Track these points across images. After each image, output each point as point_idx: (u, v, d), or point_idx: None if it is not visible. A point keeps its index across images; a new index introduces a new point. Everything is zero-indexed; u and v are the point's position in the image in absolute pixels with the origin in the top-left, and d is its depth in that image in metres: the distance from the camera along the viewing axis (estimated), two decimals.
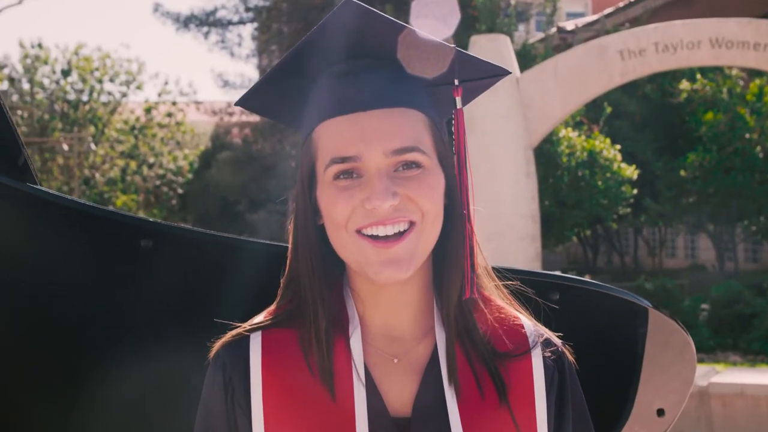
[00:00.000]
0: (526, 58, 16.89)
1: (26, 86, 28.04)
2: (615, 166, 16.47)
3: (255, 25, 26.33)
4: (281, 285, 1.72)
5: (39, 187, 2.14)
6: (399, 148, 1.58)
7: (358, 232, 1.58)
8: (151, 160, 28.84)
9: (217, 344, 1.69)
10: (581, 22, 23.46)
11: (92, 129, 27.87)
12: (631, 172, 16.55)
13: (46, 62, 28.00)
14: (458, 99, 1.69)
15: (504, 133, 12.15)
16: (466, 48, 13.32)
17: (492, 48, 12.46)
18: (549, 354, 1.74)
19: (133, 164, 28.47)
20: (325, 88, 1.64)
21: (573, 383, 1.79)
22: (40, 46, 27.95)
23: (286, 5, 23.69)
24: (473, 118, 12.35)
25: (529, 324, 1.78)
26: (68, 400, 2.23)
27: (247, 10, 26.55)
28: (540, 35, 21.14)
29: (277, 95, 1.71)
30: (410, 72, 1.66)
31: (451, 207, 1.68)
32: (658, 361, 2.72)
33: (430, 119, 1.66)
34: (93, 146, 27.91)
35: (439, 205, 1.63)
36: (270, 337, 1.68)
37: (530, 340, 1.74)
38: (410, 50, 1.64)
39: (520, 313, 1.81)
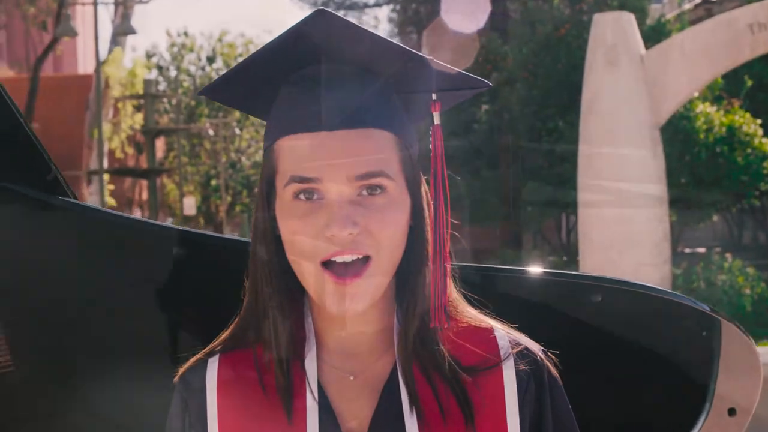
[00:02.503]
0: (660, 33, 16.40)
1: (173, 74, 28.94)
2: (756, 141, 15.89)
3: (391, 6, 26.40)
4: (244, 297, 1.68)
5: (68, 199, 2.26)
6: (364, 173, 1.51)
7: (322, 264, 1.52)
8: None
9: (180, 369, 1.68)
10: None
11: (237, 114, 28.54)
12: None
13: (191, 50, 28.84)
14: (436, 114, 1.63)
15: (628, 113, 11.85)
16: (588, 27, 13.08)
17: (615, 26, 12.19)
18: (524, 364, 1.64)
19: None
20: (290, 98, 1.58)
21: (554, 394, 1.68)
22: (185, 34, 28.76)
23: None
24: (596, 98, 12.14)
25: (502, 333, 1.69)
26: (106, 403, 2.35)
27: None
28: (684, 8, 20.53)
29: (242, 92, 1.66)
30: (382, 85, 1.58)
31: (416, 229, 1.60)
32: (722, 363, 2.68)
33: (400, 139, 1.58)
34: (238, 131, 28.58)
35: (399, 236, 1.56)
36: (227, 359, 1.67)
37: (502, 351, 1.65)
38: (383, 63, 1.57)
39: (495, 321, 1.74)
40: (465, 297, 1.74)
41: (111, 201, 23.59)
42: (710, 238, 25.19)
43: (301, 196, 1.53)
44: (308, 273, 1.56)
